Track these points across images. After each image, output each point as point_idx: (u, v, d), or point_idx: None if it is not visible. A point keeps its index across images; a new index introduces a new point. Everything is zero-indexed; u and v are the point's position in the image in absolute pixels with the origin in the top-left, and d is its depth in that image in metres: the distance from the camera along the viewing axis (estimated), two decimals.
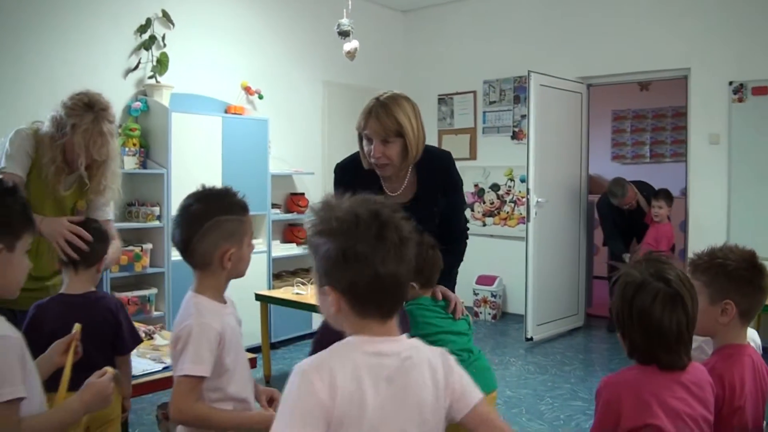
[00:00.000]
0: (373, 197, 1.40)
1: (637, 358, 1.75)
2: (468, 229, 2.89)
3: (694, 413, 1.69)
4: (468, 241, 2.88)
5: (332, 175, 2.78)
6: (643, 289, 1.71)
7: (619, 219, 6.59)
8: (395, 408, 1.33)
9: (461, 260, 2.87)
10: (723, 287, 1.92)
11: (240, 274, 1.97)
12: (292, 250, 6.22)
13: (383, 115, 2.46)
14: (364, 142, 2.56)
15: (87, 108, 2.66)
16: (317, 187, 6.65)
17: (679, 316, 1.68)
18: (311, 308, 4.61)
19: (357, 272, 1.32)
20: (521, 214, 6.96)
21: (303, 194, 6.47)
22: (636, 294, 1.72)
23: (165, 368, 2.72)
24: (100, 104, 2.71)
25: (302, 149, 6.69)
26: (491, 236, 7.26)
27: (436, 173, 2.67)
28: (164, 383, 2.63)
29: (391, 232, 1.34)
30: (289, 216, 6.32)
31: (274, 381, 4.91)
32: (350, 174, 2.67)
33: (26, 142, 2.74)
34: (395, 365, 1.35)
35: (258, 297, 4.99)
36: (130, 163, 5.07)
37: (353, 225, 1.33)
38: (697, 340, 2.07)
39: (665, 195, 6.19)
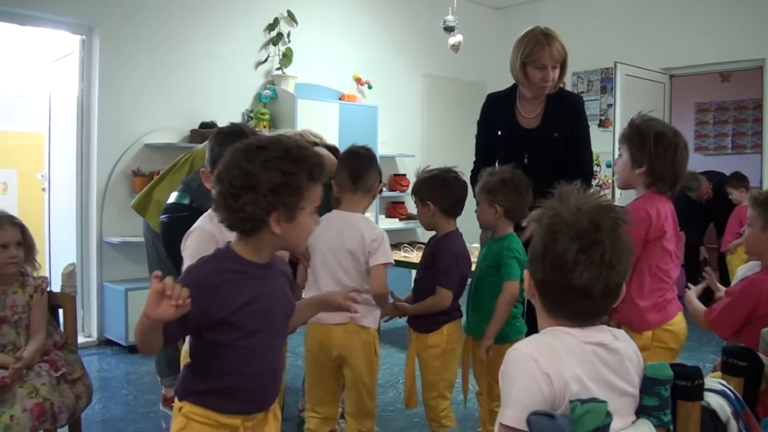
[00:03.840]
0: (612, 205, 1.36)
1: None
2: (594, 174, 3.11)
3: None
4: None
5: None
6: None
7: (700, 213, 6.71)
8: (611, 399, 1.26)
9: None
10: None
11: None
12: (395, 224, 6.90)
13: (557, 45, 3.09)
14: (530, 69, 3.05)
15: None
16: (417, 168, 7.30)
17: None
18: (413, 267, 5.24)
19: (550, 275, 1.30)
20: (607, 196, 7.40)
21: (404, 175, 7.14)
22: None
23: None
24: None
25: (404, 134, 7.37)
26: None
27: (563, 109, 3.17)
28: None
29: (599, 250, 1.27)
30: (392, 194, 7.02)
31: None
32: (496, 103, 3.28)
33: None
34: (614, 359, 1.31)
35: None
36: None
37: (566, 228, 1.29)
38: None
39: (736, 178, 6.34)
